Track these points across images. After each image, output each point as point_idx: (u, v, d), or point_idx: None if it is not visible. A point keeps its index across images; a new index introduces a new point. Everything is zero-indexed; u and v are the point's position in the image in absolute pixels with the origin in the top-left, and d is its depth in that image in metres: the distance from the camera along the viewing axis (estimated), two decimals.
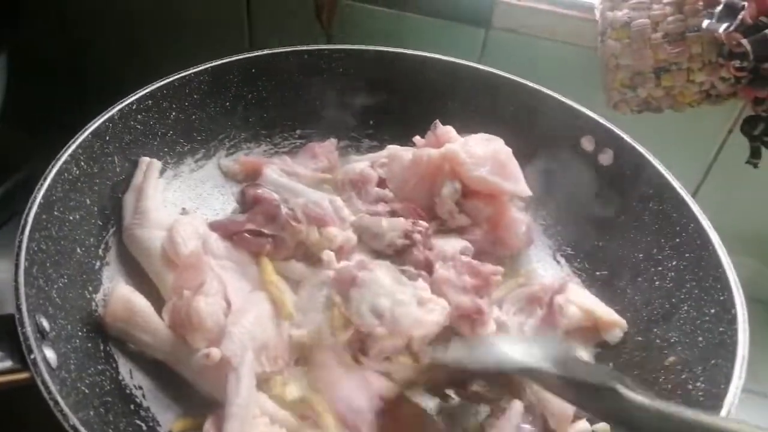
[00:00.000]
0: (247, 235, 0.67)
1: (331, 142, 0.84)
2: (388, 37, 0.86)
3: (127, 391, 0.58)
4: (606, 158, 0.76)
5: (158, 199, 0.70)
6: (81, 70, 1.04)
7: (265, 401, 0.58)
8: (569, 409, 0.58)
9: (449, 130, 0.77)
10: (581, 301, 0.68)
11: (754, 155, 0.78)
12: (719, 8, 0.70)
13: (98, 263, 0.66)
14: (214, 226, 0.68)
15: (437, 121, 0.78)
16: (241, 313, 0.60)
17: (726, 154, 0.85)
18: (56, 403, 0.44)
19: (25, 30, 0.80)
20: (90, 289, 0.63)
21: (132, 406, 0.57)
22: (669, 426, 0.41)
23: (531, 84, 0.79)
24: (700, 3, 0.72)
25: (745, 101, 0.77)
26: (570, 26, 0.83)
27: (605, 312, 0.67)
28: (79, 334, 0.58)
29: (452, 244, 0.69)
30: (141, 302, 0.61)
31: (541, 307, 0.66)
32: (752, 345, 0.54)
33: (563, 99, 0.78)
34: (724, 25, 0.69)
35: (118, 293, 0.61)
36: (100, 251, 0.66)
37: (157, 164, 0.72)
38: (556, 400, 0.56)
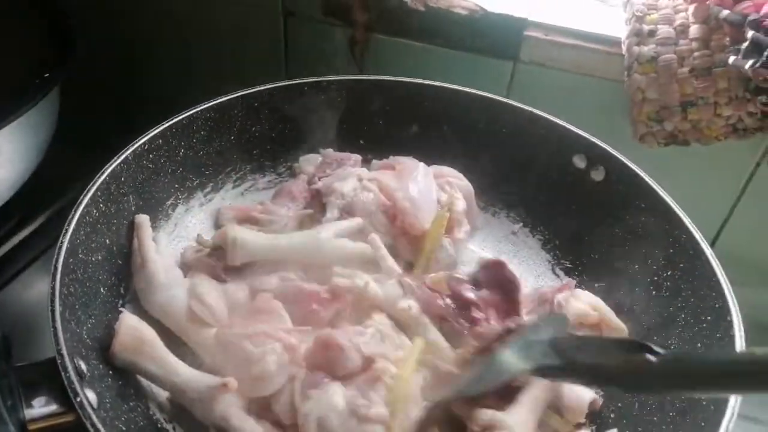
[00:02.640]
0: None
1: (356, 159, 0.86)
2: (416, 71, 0.88)
3: (159, 426, 0.60)
4: (598, 174, 0.80)
5: (160, 259, 0.69)
6: (131, 93, 1.07)
7: None
8: (585, 400, 0.62)
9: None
10: (584, 298, 0.71)
11: None
12: (746, 44, 0.72)
13: (121, 301, 0.68)
14: None
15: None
16: None
17: (754, 187, 0.86)
18: None
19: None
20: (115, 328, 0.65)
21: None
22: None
23: (523, 106, 0.83)
24: (727, 39, 0.75)
25: None
26: (596, 60, 0.85)
27: (607, 311, 0.71)
28: (110, 372, 0.60)
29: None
30: (149, 332, 0.63)
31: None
32: None
33: (555, 120, 0.81)
34: (751, 62, 0.71)
35: (126, 323, 0.62)
36: (122, 289, 0.69)
37: (145, 220, 0.72)
38: (570, 392, 0.58)
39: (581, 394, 0.64)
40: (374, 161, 0.87)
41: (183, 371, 0.61)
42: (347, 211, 0.79)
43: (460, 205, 0.80)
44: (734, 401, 0.54)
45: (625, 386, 0.46)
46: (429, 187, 0.81)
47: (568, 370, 0.50)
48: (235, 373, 0.59)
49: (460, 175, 0.83)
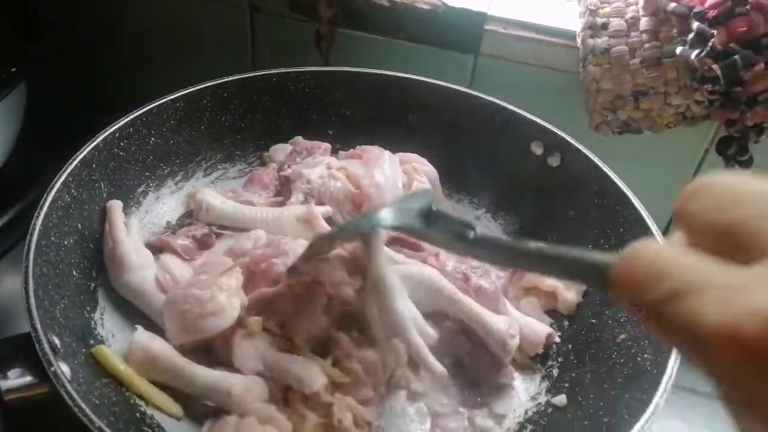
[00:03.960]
0: None
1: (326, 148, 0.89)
2: (380, 64, 0.90)
3: (131, 401, 0.62)
4: (554, 160, 0.83)
5: (131, 242, 0.72)
6: (95, 88, 1.07)
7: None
8: (541, 334, 0.71)
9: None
10: None
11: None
12: (691, 35, 0.76)
13: (93, 284, 0.70)
14: None
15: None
16: None
17: (704, 172, 0.91)
18: (81, 409, 0.48)
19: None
20: (88, 308, 0.67)
21: (138, 414, 0.61)
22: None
23: (484, 96, 0.86)
24: (674, 30, 0.79)
25: (718, 122, 0.84)
26: (555, 53, 0.89)
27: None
28: (83, 350, 0.62)
29: None
30: (161, 345, 0.64)
31: None
32: None
33: (514, 108, 0.85)
34: (696, 51, 0.75)
35: (136, 342, 0.63)
36: (94, 273, 0.70)
37: (117, 205, 0.74)
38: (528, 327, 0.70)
39: (538, 329, 0.71)
40: (341, 152, 0.90)
41: (199, 378, 0.63)
42: (315, 198, 0.81)
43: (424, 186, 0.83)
44: (673, 364, 0.58)
45: (451, 248, 0.58)
46: (395, 174, 0.84)
47: (420, 233, 0.61)
48: (191, 323, 0.63)
49: (425, 161, 0.87)
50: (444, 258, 0.73)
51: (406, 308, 0.65)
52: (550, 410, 0.68)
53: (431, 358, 0.64)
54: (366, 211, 0.78)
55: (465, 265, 0.73)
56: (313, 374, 0.63)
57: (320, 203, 0.81)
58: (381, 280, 0.66)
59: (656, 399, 0.55)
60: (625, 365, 0.65)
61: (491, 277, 0.73)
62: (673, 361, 0.58)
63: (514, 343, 0.66)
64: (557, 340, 0.72)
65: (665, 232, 0.90)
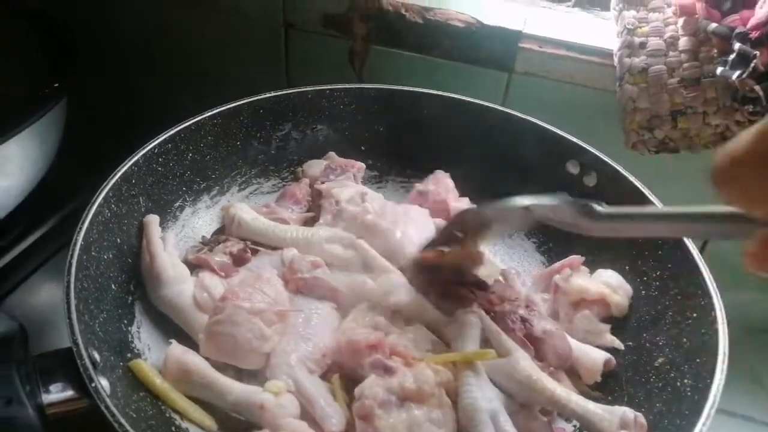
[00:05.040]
0: None
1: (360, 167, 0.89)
2: (413, 81, 0.91)
3: (167, 415, 0.62)
4: (590, 180, 0.83)
5: (167, 256, 0.73)
6: (135, 105, 1.10)
7: None
8: (599, 361, 0.69)
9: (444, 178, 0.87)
10: (603, 276, 0.77)
11: None
12: (732, 56, 0.75)
13: (130, 298, 0.71)
14: None
15: (438, 171, 0.88)
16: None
17: None
18: (120, 424, 0.49)
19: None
20: (125, 322, 0.68)
21: (173, 428, 0.62)
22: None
23: (519, 114, 0.86)
24: (715, 51, 0.78)
25: None
26: (589, 71, 0.89)
27: (619, 288, 0.75)
28: (121, 364, 0.63)
29: None
30: (194, 360, 0.64)
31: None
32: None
33: (549, 127, 0.84)
34: (738, 72, 0.74)
35: (171, 356, 0.64)
36: (131, 287, 0.71)
37: (154, 220, 0.75)
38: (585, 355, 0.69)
39: (595, 356, 0.69)
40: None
41: (233, 392, 0.63)
42: (345, 221, 0.81)
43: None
44: (716, 392, 0.56)
45: (581, 226, 0.60)
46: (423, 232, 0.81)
47: (552, 207, 0.62)
48: (239, 349, 0.65)
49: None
50: (495, 301, 0.71)
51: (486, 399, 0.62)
52: None
53: None
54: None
55: (517, 309, 0.70)
56: (337, 415, 0.63)
57: (347, 227, 0.80)
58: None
59: (698, 427, 0.53)
60: (663, 390, 0.64)
61: (544, 313, 0.72)
62: (716, 387, 0.56)
63: None
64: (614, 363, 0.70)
65: (702, 249, 0.88)
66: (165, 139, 0.77)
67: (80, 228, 0.64)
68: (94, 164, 0.77)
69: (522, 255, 0.88)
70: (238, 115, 0.85)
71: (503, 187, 0.88)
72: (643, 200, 0.75)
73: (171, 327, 0.71)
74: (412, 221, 0.81)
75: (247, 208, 0.81)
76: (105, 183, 0.70)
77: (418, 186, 0.88)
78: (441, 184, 0.87)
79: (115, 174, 0.71)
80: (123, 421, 0.49)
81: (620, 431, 0.58)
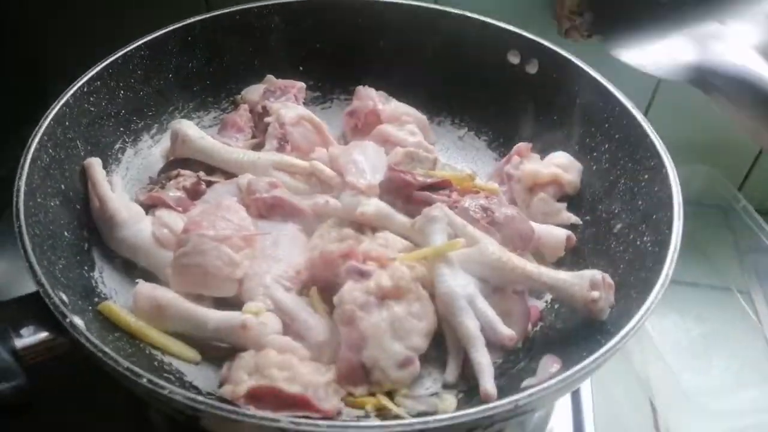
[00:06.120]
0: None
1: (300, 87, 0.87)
2: None
3: (147, 352, 0.61)
4: (532, 67, 0.83)
5: (118, 197, 0.70)
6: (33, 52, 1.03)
7: None
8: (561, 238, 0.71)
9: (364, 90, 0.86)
10: (555, 160, 0.79)
11: None
12: None
13: (86, 244, 0.68)
14: None
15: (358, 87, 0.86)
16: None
17: None
18: (105, 353, 0.48)
19: None
20: (86, 268, 0.66)
21: (155, 363, 0.61)
22: None
23: (455, 10, 0.85)
24: None
25: None
26: None
27: (570, 166, 0.78)
28: (89, 308, 0.61)
29: None
30: (166, 294, 0.63)
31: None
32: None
33: (486, 19, 0.84)
34: None
35: (140, 293, 0.63)
36: (85, 233, 0.68)
37: (95, 162, 0.72)
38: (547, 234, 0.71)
39: (556, 233, 0.72)
40: None
41: (212, 319, 0.62)
42: (290, 145, 0.79)
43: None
44: (676, 241, 0.59)
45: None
46: (377, 156, 0.78)
47: None
48: (211, 278, 0.64)
49: (411, 110, 0.85)
50: (455, 198, 0.71)
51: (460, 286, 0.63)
52: (556, 306, 0.70)
53: (482, 342, 0.61)
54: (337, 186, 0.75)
55: (478, 200, 0.71)
56: (320, 325, 0.63)
57: (293, 151, 0.79)
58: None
59: (664, 271, 0.56)
60: (625, 252, 0.67)
61: (504, 200, 0.73)
62: (676, 235, 0.59)
63: (594, 295, 0.61)
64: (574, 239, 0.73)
65: (646, 113, 0.92)
66: (92, 76, 0.73)
67: (20, 174, 0.61)
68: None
69: (475, 155, 0.89)
70: (165, 44, 0.81)
71: (447, 90, 0.89)
72: (586, 77, 0.77)
73: (134, 269, 0.69)
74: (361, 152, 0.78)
75: (194, 126, 0.78)
76: (38, 126, 0.65)
77: (346, 110, 0.87)
78: (363, 97, 0.86)
79: (47, 116, 0.67)
80: (107, 349, 0.48)
81: (591, 292, 0.61)
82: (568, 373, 0.47)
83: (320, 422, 0.44)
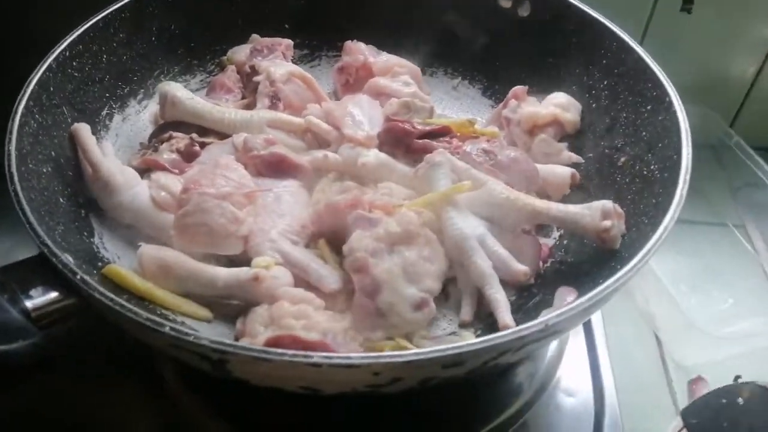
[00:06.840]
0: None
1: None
2: None
3: (158, 312, 0.59)
4: (524, 10, 0.82)
5: (111, 162, 0.68)
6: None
7: None
8: (565, 175, 0.71)
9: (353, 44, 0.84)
10: (554, 100, 0.78)
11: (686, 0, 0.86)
12: None
13: (83, 211, 0.66)
14: None
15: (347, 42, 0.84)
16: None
17: (662, 5, 0.91)
18: (122, 305, 0.46)
19: None
20: (85, 234, 0.64)
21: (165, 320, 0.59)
22: None
23: None
24: None
25: None
26: None
27: (569, 106, 0.77)
28: (94, 272, 0.59)
29: None
30: (171, 254, 0.61)
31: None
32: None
33: None
34: None
35: (145, 255, 0.61)
36: (80, 199, 0.66)
37: (83, 127, 0.69)
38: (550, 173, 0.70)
39: (560, 171, 0.71)
40: None
41: (221, 276, 0.61)
42: (282, 102, 0.78)
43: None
44: (686, 164, 0.59)
45: None
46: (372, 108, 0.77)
47: None
48: (216, 236, 0.62)
49: (403, 61, 0.83)
50: (456, 144, 0.70)
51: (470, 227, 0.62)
52: (565, 241, 0.69)
53: (496, 279, 0.61)
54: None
55: (480, 144, 0.70)
56: (332, 275, 0.62)
57: (285, 108, 0.77)
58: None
59: (678, 191, 0.56)
60: (632, 183, 0.66)
61: (505, 143, 0.72)
62: (686, 159, 0.59)
63: (606, 224, 0.60)
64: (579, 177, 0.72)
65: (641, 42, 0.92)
66: (74, 39, 0.70)
67: (9, 139, 0.58)
68: None
69: (470, 104, 0.88)
70: (146, 7, 0.78)
71: (438, 40, 0.88)
72: (580, 15, 0.76)
73: (135, 233, 0.67)
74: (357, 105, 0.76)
75: (182, 88, 0.76)
76: (22, 91, 0.63)
77: (336, 66, 0.85)
78: (353, 51, 0.84)
79: (30, 81, 0.64)
80: (123, 302, 0.46)
81: (603, 222, 0.60)
82: (597, 290, 0.47)
83: (353, 354, 0.43)
